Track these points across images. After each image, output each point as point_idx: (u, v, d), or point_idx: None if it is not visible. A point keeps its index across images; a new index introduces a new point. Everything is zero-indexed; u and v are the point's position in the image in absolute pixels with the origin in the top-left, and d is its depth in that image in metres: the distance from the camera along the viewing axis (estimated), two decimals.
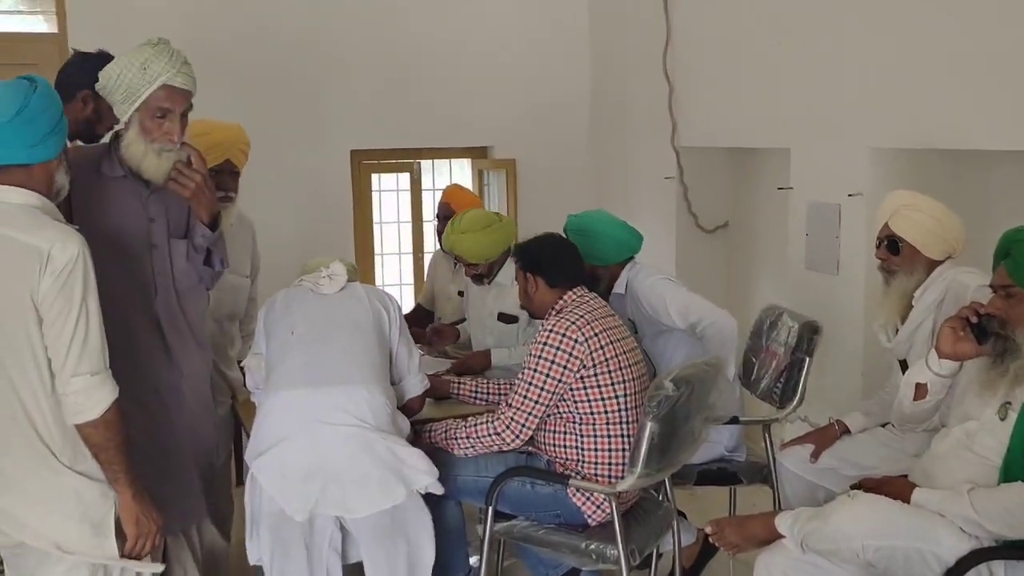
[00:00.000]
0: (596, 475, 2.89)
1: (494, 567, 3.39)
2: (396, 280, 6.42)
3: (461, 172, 6.51)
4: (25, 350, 2.23)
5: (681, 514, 3.38)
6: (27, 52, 5.14)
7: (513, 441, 2.91)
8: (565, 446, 2.94)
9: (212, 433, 2.93)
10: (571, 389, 2.89)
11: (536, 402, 2.88)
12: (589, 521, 2.90)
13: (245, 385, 3.15)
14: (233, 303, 3.47)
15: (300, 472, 2.71)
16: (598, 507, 2.89)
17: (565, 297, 3.03)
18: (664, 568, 3.34)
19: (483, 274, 3.79)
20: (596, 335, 2.88)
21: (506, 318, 3.78)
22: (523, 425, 2.89)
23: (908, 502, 2.45)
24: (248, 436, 2.89)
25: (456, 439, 2.97)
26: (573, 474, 2.89)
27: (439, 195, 4.67)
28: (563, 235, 3.39)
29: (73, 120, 3.26)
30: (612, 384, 2.89)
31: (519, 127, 6.06)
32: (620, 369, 2.90)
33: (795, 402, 3.38)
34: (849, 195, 4.00)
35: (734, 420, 3.42)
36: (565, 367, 2.86)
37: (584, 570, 3.10)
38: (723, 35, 4.92)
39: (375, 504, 2.73)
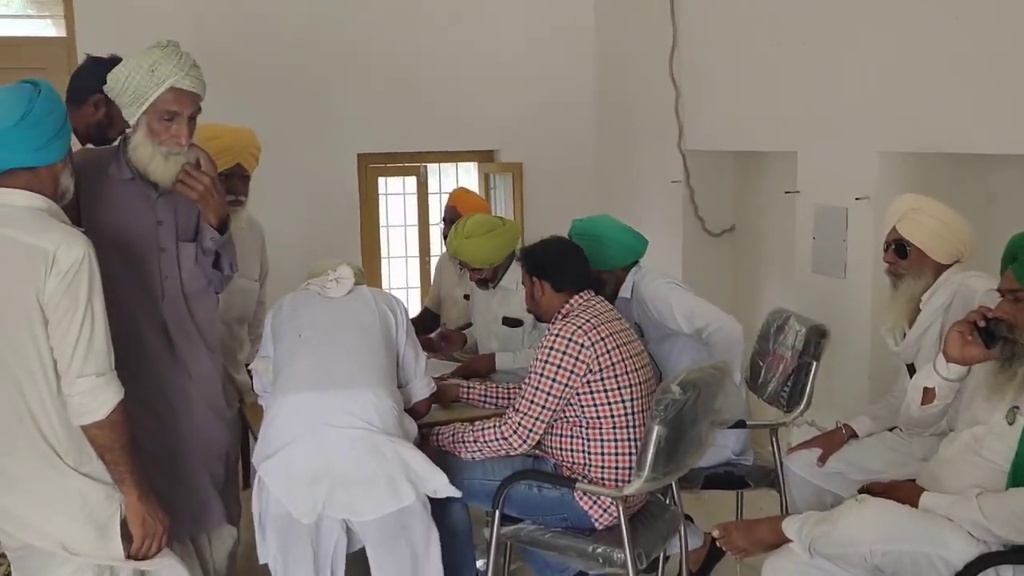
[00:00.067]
0: (603, 479, 2.89)
1: (501, 570, 3.39)
2: (402, 283, 6.43)
3: (467, 176, 6.51)
4: (31, 351, 2.24)
5: (688, 518, 3.37)
6: (35, 56, 5.17)
7: (520, 446, 2.90)
8: (572, 450, 2.93)
9: (225, 437, 2.91)
10: (578, 393, 2.88)
11: (543, 407, 2.88)
12: (596, 525, 2.90)
13: (252, 388, 3.15)
14: (242, 306, 3.48)
15: (307, 475, 2.71)
16: (605, 511, 2.88)
17: (571, 301, 3.03)
18: (671, 572, 3.33)
19: (488, 279, 3.79)
20: (603, 339, 2.88)
21: (511, 322, 3.79)
22: (530, 430, 2.89)
23: (916, 506, 2.44)
24: (255, 439, 2.90)
25: (464, 443, 2.97)
26: (580, 478, 2.89)
27: (445, 198, 4.67)
28: (569, 239, 3.38)
29: (85, 124, 3.29)
30: (619, 388, 2.88)
31: (526, 130, 6.06)
32: (627, 373, 2.90)
33: (802, 406, 3.37)
34: (856, 199, 4.00)
35: (741, 424, 3.42)
36: (572, 371, 2.86)
37: (591, 574, 3.10)
38: (729, 38, 4.92)
39: (382, 507, 2.73)
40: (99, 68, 2.70)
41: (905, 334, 3.13)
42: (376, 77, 5.77)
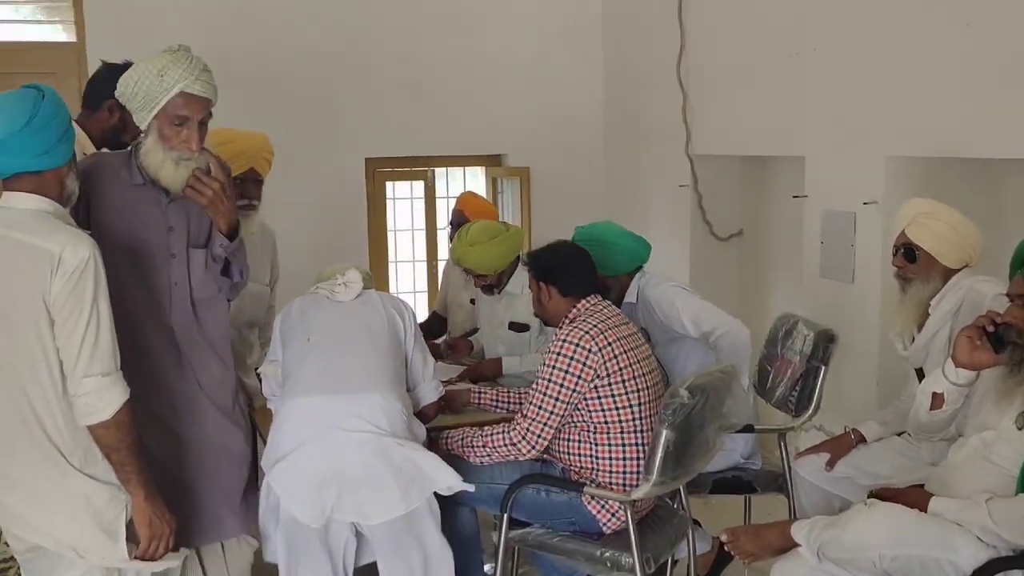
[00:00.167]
0: (611, 483, 2.89)
1: (509, 574, 3.38)
2: (410, 288, 6.44)
3: (475, 180, 6.53)
4: (37, 352, 2.25)
5: (696, 522, 3.37)
6: (46, 61, 5.20)
7: (529, 451, 2.91)
8: (580, 454, 2.94)
9: (240, 446, 2.80)
10: (585, 398, 2.88)
11: (551, 412, 2.88)
12: (604, 529, 2.90)
13: (261, 392, 3.15)
14: (253, 310, 3.48)
15: (316, 479, 2.72)
16: (613, 515, 2.88)
17: (579, 306, 3.02)
18: None
19: (493, 284, 3.79)
20: (610, 344, 2.88)
21: (518, 327, 3.79)
22: (538, 436, 2.89)
23: (925, 511, 2.44)
24: (264, 442, 2.90)
25: (472, 447, 2.97)
26: (588, 482, 2.89)
27: (453, 203, 4.68)
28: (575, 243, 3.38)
29: (100, 129, 3.32)
30: (626, 393, 2.88)
31: (533, 135, 6.08)
32: (634, 378, 2.90)
33: (810, 411, 3.37)
34: (864, 203, 3.99)
35: (749, 428, 3.42)
36: (579, 377, 2.86)
37: None
38: (737, 43, 4.92)
39: (391, 510, 2.74)
40: (113, 74, 2.70)
41: (914, 338, 3.13)
42: (384, 82, 5.78)
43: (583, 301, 3.03)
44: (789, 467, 3.35)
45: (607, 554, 2.83)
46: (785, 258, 5.07)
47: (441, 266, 5.44)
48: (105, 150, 3.11)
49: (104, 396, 2.26)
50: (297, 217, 5.31)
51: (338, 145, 5.72)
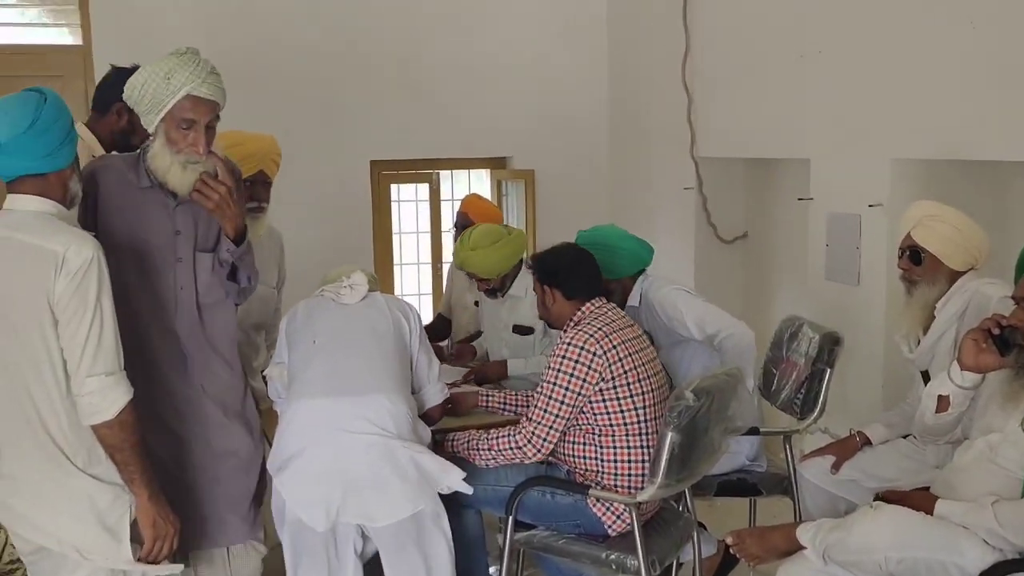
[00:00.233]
0: (616, 485, 2.89)
1: None
2: (415, 290, 6.45)
3: (480, 183, 6.53)
4: (41, 353, 2.25)
5: (701, 525, 3.36)
6: (52, 64, 5.22)
7: (535, 455, 2.91)
8: (585, 457, 2.93)
9: (249, 451, 2.78)
10: (590, 401, 2.88)
11: (556, 416, 2.88)
12: (609, 531, 2.90)
13: (267, 394, 3.16)
14: (260, 313, 3.48)
15: (322, 481, 2.72)
16: (618, 517, 2.88)
17: (583, 308, 3.02)
18: None
19: (496, 288, 3.80)
20: (615, 347, 2.88)
21: (522, 330, 3.79)
22: (544, 439, 2.89)
23: (931, 514, 2.44)
24: (270, 444, 2.91)
25: (478, 450, 2.97)
26: (593, 484, 2.89)
27: (458, 205, 4.69)
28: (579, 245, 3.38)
29: (109, 131, 3.33)
30: (631, 396, 2.88)
31: (538, 138, 6.08)
32: (639, 381, 2.90)
33: (816, 413, 3.37)
34: (869, 206, 3.99)
35: (754, 431, 3.41)
36: (584, 380, 2.86)
37: None
38: (742, 45, 4.92)
39: (397, 512, 2.74)
40: (122, 77, 2.70)
41: (919, 341, 3.12)
42: (389, 84, 5.79)
43: (588, 304, 3.03)
44: (794, 470, 3.35)
45: (612, 556, 2.83)
46: (790, 261, 5.07)
47: (446, 268, 5.44)
48: (114, 153, 3.11)
49: (108, 395, 2.26)
50: (302, 219, 5.30)
51: (343, 147, 5.73)
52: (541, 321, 3.30)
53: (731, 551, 2.74)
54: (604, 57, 6.23)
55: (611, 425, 2.88)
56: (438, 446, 3.00)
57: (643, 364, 2.94)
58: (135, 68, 2.88)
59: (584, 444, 2.93)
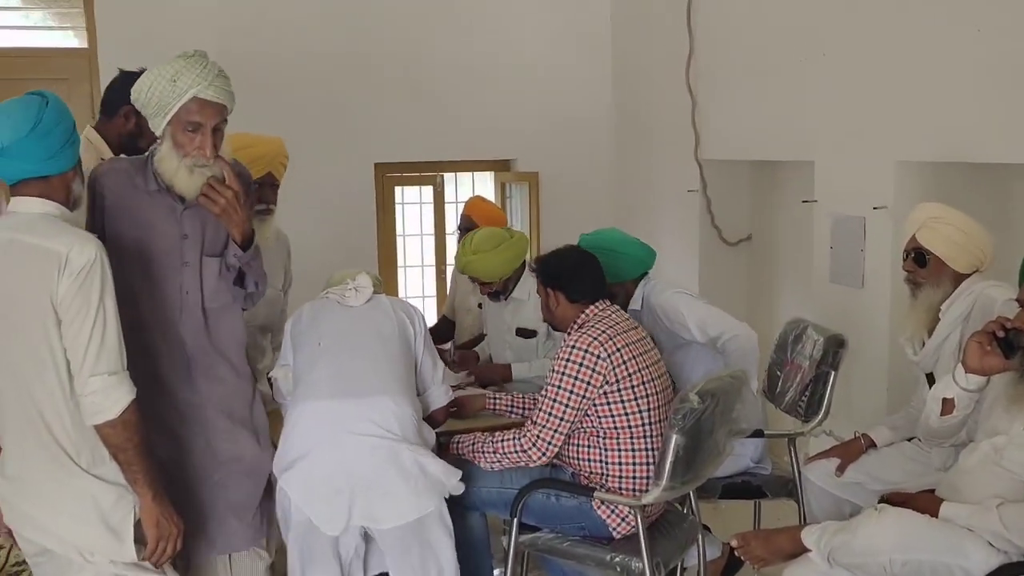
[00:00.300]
0: (621, 488, 2.89)
1: None
2: (419, 292, 6.45)
3: (484, 185, 6.54)
4: (44, 354, 2.26)
5: (706, 528, 3.37)
6: (58, 67, 5.24)
7: (540, 458, 2.91)
8: (589, 459, 2.94)
9: (255, 456, 2.76)
10: (595, 404, 2.88)
11: (561, 419, 2.88)
12: (614, 534, 2.90)
13: (272, 397, 3.16)
14: (266, 315, 3.48)
15: (327, 483, 2.72)
16: (623, 520, 2.88)
17: (587, 311, 3.02)
18: None
19: (499, 291, 3.80)
20: (619, 350, 2.88)
21: (525, 332, 3.79)
22: (549, 442, 2.89)
23: (936, 516, 2.44)
24: (275, 447, 2.91)
25: (483, 453, 2.98)
26: (598, 487, 2.89)
27: (462, 207, 4.69)
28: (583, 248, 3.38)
29: (117, 134, 3.34)
30: (636, 399, 2.88)
31: (542, 140, 6.08)
32: (643, 383, 2.90)
33: (820, 416, 3.36)
34: (874, 208, 3.99)
35: (759, 433, 3.41)
36: (588, 383, 2.86)
37: None
38: (746, 47, 4.92)
39: (402, 515, 2.74)
40: (130, 80, 2.70)
41: (924, 343, 3.12)
42: (393, 87, 5.80)
43: (591, 307, 3.03)
44: (799, 472, 3.35)
45: (617, 559, 2.83)
46: (794, 263, 5.07)
47: (450, 271, 5.45)
48: (122, 156, 3.12)
49: (111, 395, 2.27)
50: (306, 221, 5.30)
51: (347, 150, 5.74)
52: (544, 324, 3.30)
53: (736, 553, 2.74)
54: (608, 59, 6.23)
55: (616, 428, 2.89)
56: (443, 448, 3.00)
57: (647, 367, 2.94)
58: (143, 71, 2.89)
59: (589, 447, 2.93)
